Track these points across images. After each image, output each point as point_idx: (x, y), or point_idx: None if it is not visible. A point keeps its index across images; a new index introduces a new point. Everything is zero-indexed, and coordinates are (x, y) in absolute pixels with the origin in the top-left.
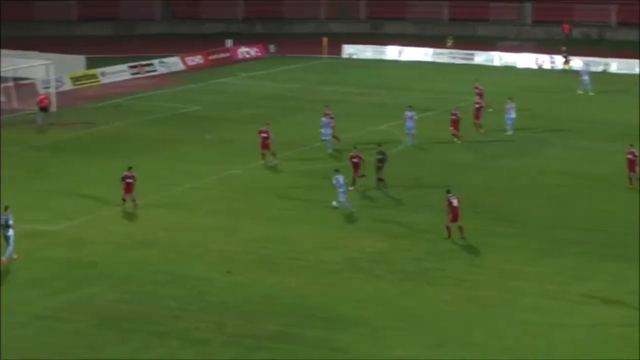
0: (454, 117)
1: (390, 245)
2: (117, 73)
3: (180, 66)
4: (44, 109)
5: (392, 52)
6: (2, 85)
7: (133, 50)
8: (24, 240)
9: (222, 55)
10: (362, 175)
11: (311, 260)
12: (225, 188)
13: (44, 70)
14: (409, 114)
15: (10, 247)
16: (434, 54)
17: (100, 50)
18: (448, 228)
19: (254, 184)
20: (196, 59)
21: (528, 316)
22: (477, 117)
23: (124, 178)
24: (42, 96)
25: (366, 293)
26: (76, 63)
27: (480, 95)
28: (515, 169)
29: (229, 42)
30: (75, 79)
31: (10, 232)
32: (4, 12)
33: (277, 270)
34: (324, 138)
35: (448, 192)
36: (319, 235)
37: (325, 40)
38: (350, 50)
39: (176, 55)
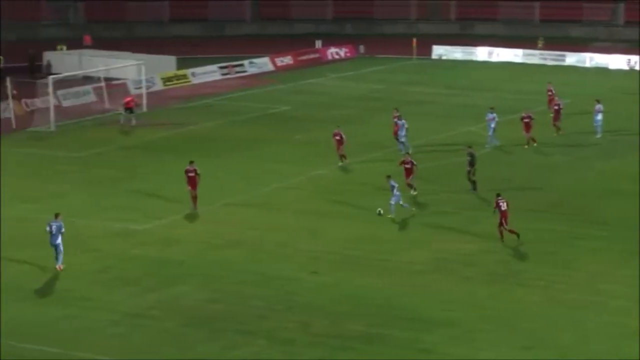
0: (526, 120)
1: (478, 246)
2: (208, 73)
3: (270, 67)
4: (130, 110)
5: (482, 53)
6: (94, 85)
7: (223, 51)
8: (115, 240)
9: (312, 55)
10: (410, 185)
11: (398, 260)
12: (313, 188)
13: (135, 70)
14: (490, 115)
15: (61, 256)
16: (525, 55)
17: (190, 51)
18: (501, 232)
19: (341, 184)
20: (286, 60)
21: (618, 319)
22: (556, 118)
23: (186, 172)
24: (129, 97)
25: (454, 294)
26: (167, 63)
27: (551, 98)
28: (603, 172)
29: (318, 43)
30: (166, 79)
31: (59, 240)
32: (97, 13)
33: (364, 270)
34: (400, 140)
35: (498, 195)
36: (406, 235)
37: (414, 40)
38: (439, 51)
39: (266, 56)
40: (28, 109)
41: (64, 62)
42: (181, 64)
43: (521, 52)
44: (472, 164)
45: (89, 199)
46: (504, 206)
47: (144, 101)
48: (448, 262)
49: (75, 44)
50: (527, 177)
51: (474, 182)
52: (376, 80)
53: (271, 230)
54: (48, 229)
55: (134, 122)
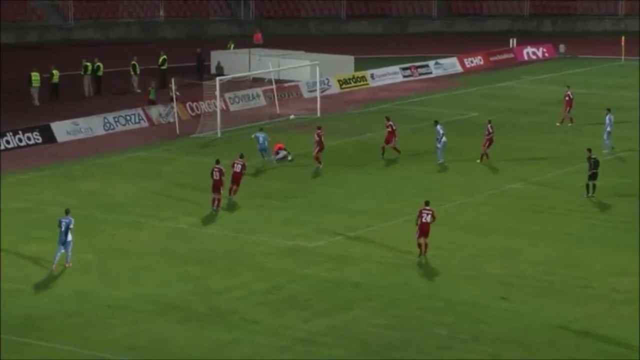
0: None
1: None
2: (388, 75)
3: (458, 68)
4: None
5: None
6: (264, 88)
7: (406, 51)
8: (284, 257)
9: (505, 56)
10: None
11: (601, 287)
12: (503, 204)
13: (309, 71)
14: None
15: (70, 254)
16: None
17: (370, 50)
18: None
19: (537, 199)
20: (475, 60)
21: None
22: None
23: (212, 172)
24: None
25: None
26: (344, 64)
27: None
28: None
29: (512, 42)
30: (342, 82)
31: (70, 238)
32: (268, 9)
33: (562, 298)
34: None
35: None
36: (611, 259)
37: (623, 39)
38: None
39: (453, 56)
40: (193, 113)
41: (232, 62)
42: (359, 65)
43: None
44: (594, 167)
45: (255, 212)
46: (426, 218)
47: (318, 105)
48: None
49: (244, 42)
50: None
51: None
52: (578, 83)
53: (457, 251)
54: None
55: (290, 157)
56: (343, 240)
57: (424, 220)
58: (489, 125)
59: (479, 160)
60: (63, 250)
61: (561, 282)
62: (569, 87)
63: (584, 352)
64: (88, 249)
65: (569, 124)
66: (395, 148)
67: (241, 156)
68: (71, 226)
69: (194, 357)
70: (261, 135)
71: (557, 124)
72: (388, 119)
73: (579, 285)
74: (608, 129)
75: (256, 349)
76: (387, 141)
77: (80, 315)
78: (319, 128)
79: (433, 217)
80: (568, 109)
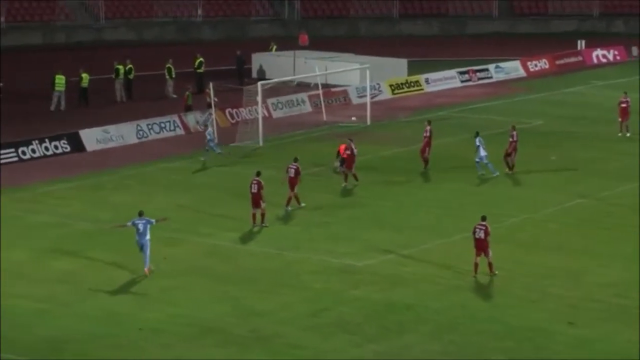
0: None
1: None
2: (444, 80)
3: (521, 72)
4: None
5: None
6: (310, 93)
7: (464, 53)
8: (331, 277)
9: (572, 59)
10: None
11: None
12: (571, 221)
13: (358, 75)
14: None
15: (147, 258)
16: None
17: (424, 53)
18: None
19: (607, 216)
20: (540, 64)
21: None
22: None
23: (250, 185)
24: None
25: None
26: (397, 68)
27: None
28: None
29: (581, 44)
30: (394, 87)
31: (149, 236)
32: (315, 9)
33: (634, 323)
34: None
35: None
36: None
37: None
38: None
39: (516, 59)
40: (232, 121)
41: (276, 65)
42: (413, 69)
43: None
44: None
45: (299, 227)
46: (479, 234)
47: (368, 112)
48: None
49: (288, 43)
50: None
51: None
52: None
53: (519, 271)
54: (129, 224)
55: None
56: (395, 259)
57: (476, 236)
58: (514, 132)
59: (510, 171)
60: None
61: (632, 306)
62: (625, 93)
63: None
64: (118, 266)
65: (627, 134)
66: (426, 159)
67: (295, 160)
68: (153, 222)
69: None
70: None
71: (619, 134)
72: (429, 123)
73: None
74: None
75: None
76: (423, 151)
77: (110, 338)
78: (351, 140)
79: (486, 233)
80: (625, 117)
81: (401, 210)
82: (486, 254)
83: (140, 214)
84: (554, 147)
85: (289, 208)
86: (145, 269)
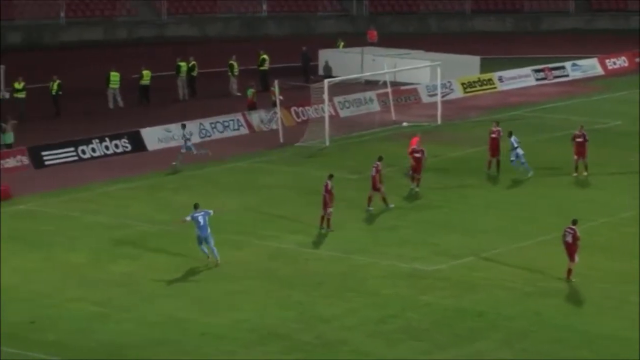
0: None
1: None
2: (519, 78)
3: (599, 70)
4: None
5: None
6: (378, 91)
7: (539, 51)
8: (399, 282)
9: None
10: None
11: None
12: None
13: (429, 73)
14: None
15: (214, 249)
16: None
17: (498, 50)
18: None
19: None
20: (619, 62)
21: None
22: None
23: (324, 189)
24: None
25: None
26: (469, 65)
27: None
28: None
29: None
30: (466, 85)
31: (209, 230)
32: (384, 4)
33: None
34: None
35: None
36: None
37: None
38: None
39: (593, 57)
40: (298, 120)
41: (343, 62)
42: (486, 66)
43: None
44: None
45: (366, 231)
46: (568, 238)
47: (439, 111)
48: None
49: (356, 40)
50: None
51: None
52: None
53: (596, 277)
54: (188, 218)
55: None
56: (466, 263)
57: (565, 239)
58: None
59: (575, 174)
60: (205, 250)
61: None
62: (497, 122)
63: None
64: (179, 269)
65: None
66: (497, 161)
67: (379, 159)
68: (211, 213)
69: None
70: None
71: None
72: (497, 124)
73: None
74: None
75: None
76: (492, 153)
77: (171, 344)
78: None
79: (574, 237)
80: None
81: (472, 213)
82: (572, 259)
83: (196, 207)
84: (633, 148)
85: (371, 208)
86: (216, 259)
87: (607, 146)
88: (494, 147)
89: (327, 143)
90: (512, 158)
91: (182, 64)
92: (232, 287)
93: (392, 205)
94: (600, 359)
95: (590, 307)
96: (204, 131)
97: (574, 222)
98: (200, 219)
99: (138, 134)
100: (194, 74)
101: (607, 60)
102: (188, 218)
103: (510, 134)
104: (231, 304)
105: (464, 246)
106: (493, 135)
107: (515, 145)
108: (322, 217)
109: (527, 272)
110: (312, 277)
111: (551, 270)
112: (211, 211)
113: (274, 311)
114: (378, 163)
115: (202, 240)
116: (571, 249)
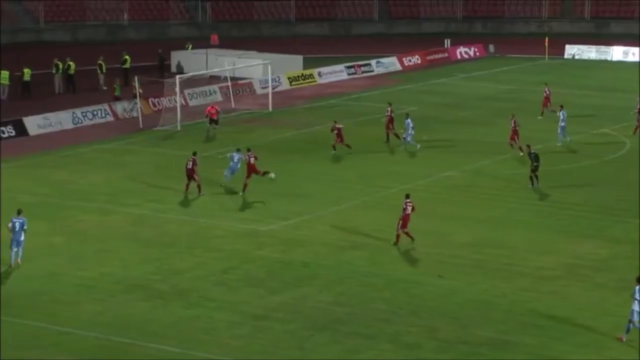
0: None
1: (610, 252)
2: (334, 73)
3: (397, 66)
4: (214, 121)
5: (617, 53)
6: (220, 85)
7: (350, 51)
8: (239, 240)
9: (440, 55)
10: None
11: (527, 265)
12: (439, 190)
13: (261, 70)
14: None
15: (20, 252)
16: None
17: (316, 50)
18: (398, 236)
19: (469, 187)
20: (413, 59)
21: None
22: None
23: (186, 162)
24: (210, 107)
25: (586, 301)
26: (294, 63)
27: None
28: None
29: (447, 42)
30: (292, 79)
31: (23, 237)
32: (224, 13)
33: (491, 275)
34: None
35: (407, 196)
36: (535, 239)
37: (546, 40)
38: (573, 51)
39: (393, 56)
40: (155, 108)
41: (191, 61)
42: (308, 64)
43: None
44: (536, 161)
45: (213, 199)
46: (408, 210)
47: (270, 101)
48: (579, 267)
49: (202, 43)
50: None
51: (533, 179)
52: (506, 80)
53: (394, 233)
54: (10, 225)
55: (210, 133)
56: (293, 224)
57: (406, 212)
58: (512, 120)
59: (521, 154)
60: (16, 249)
61: (489, 261)
62: (546, 84)
63: (513, 325)
64: (57, 233)
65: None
66: (396, 134)
67: (194, 154)
68: (25, 227)
69: (158, 332)
70: (237, 155)
71: (539, 117)
72: (390, 104)
73: (505, 263)
74: (562, 124)
75: (214, 324)
76: (388, 127)
77: (50, 294)
78: (335, 122)
79: (413, 208)
80: (547, 104)
81: (298, 182)
82: (405, 227)
83: (19, 212)
84: (426, 129)
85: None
86: (18, 260)
87: (401, 127)
88: (388, 123)
89: (179, 128)
90: (408, 138)
91: (59, 63)
92: (100, 247)
93: (272, 175)
94: (398, 297)
95: (391, 257)
96: (76, 119)
97: (408, 196)
98: (17, 225)
99: (21, 121)
100: (71, 72)
101: (404, 58)
102: (9, 225)
103: (406, 116)
104: (100, 260)
105: (291, 210)
106: (387, 114)
107: (411, 125)
108: (187, 185)
109: (341, 231)
110: (167, 237)
111: (360, 228)
112: (25, 220)
113: (136, 266)
114: (194, 157)
115: (14, 243)
116: (407, 219)
